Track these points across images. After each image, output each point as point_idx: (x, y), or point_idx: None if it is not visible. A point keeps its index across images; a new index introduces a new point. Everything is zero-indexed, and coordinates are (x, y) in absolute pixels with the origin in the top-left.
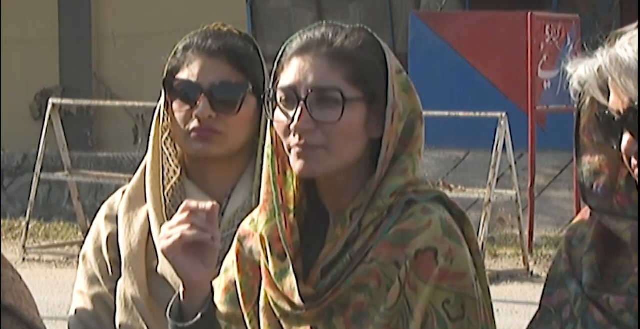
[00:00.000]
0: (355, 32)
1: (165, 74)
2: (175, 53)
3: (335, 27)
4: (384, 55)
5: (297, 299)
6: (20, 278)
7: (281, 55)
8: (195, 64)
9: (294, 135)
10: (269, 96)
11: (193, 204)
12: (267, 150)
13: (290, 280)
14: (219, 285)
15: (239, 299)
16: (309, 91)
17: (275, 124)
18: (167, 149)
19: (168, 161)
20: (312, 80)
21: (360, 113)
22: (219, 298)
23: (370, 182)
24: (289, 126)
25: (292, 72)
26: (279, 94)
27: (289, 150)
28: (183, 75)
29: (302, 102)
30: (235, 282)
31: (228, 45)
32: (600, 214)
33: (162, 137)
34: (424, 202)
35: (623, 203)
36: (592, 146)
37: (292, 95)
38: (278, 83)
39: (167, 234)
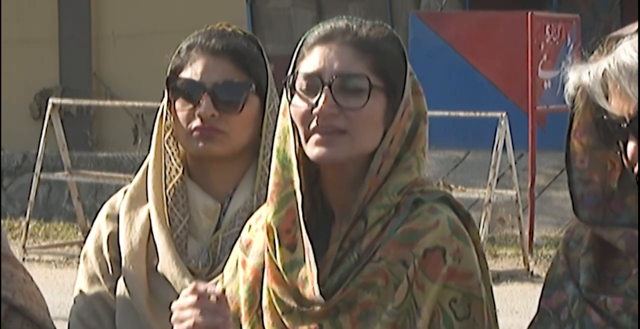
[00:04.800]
0: (377, 25)
1: (168, 73)
2: (179, 52)
3: (357, 20)
4: (403, 51)
5: (309, 290)
6: (32, 279)
7: (301, 45)
8: (199, 63)
9: (315, 120)
10: (287, 83)
11: (201, 287)
12: (277, 142)
13: (302, 271)
14: None
15: (239, 317)
16: (334, 77)
17: (292, 109)
18: (170, 148)
19: (170, 160)
20: (337, 67)
21: (381, 103)
22: None
23: (370, 175)
24: (310, 111)
25: (315, 59)
26: (299, 82)
27: (306, 137)
28: (186, 74)
29: (326, 87)
30: (236, 300)
31: (231, 44)
32: (591, 225)
33: (164, 136)
34: (431, 203)
35: (617, 209)
36: (582, 150)
37: (316, 81)
38: (297, 72)
39: (179, 317)
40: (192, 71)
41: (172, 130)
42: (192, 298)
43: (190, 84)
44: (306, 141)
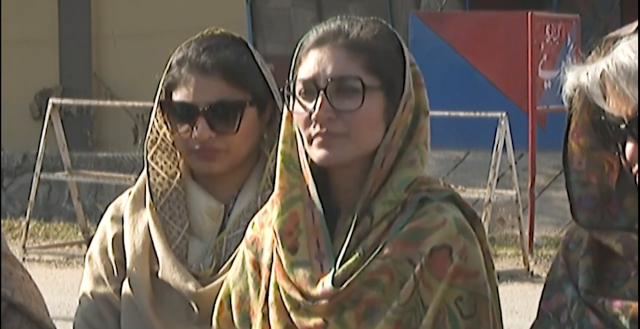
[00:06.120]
0: (370, 23)
1: (160, 91)
2: (169, 68)
3: (351, 20)
4: (400, 44)
5: (315, 289)
6: (30, 277)
7: (298, 50)
8: (190, 84)
9: (315, 125)
10: (288, 90)
11: None
12: (281, 146)
13: (305, 270)
14: (225, 299)
15: (250, 317)
16: (329, 80)
17: (295, 116)
18: (157, 163)
19: (159, 175)
20: (330, 71)
21: (379, 102)
22: (232, 316)
23: (374, 170)
24: (310, 116)
25: (310, 64)
26: (298, 87)
27: (309, 141)
28: (179, 95)
29: (322, 92)
30: (247, 299)
31: (221, 61)
32: (589, 229)
33: (147, 153)
34: (438, 201)
35: (615, 212)
36: (579, 152)
37: (312, 86)
38: (296, 78)
39: None
40: (185, 92)
41: (159, 144)
42: None
43: (184, 107)
44: (309, 144)
